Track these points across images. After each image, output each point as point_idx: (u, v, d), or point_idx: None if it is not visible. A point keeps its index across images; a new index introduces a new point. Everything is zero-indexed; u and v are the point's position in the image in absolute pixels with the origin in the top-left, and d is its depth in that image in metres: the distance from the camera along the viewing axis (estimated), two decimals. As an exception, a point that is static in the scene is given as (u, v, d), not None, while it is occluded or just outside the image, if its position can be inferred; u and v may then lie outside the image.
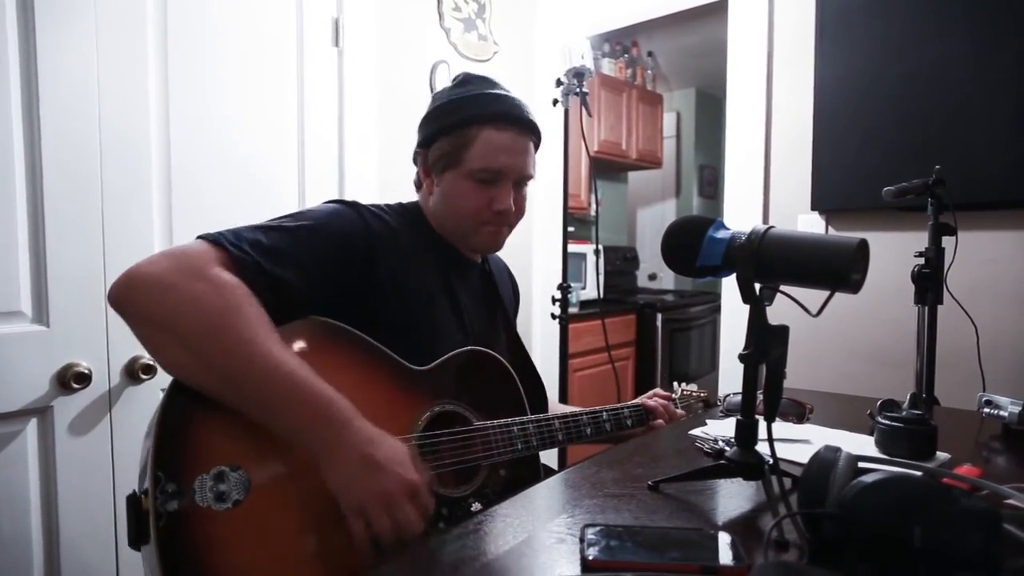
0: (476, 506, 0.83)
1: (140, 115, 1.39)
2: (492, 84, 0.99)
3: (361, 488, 0.68)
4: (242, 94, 1.56)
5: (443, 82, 2.09)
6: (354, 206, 0.90)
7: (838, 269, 0.63)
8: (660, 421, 1.12)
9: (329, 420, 0.69)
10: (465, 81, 0.99)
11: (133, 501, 0.68)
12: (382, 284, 0.86)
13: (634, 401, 1.14)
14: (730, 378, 2.02)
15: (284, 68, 1.66)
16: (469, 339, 0.95)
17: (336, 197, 1.75)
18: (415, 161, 1.03)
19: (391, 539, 0.69)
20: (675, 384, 1.28)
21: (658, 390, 1.20)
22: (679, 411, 1.17)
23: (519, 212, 1.00)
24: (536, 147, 1.01)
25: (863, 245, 0.64)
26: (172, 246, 0.74)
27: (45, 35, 1.25)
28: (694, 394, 1.27)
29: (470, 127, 0.93)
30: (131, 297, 0.71)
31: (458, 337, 0.94)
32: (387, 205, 0.98)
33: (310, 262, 0.80)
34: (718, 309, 3.78)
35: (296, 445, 0.71)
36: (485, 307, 1.06)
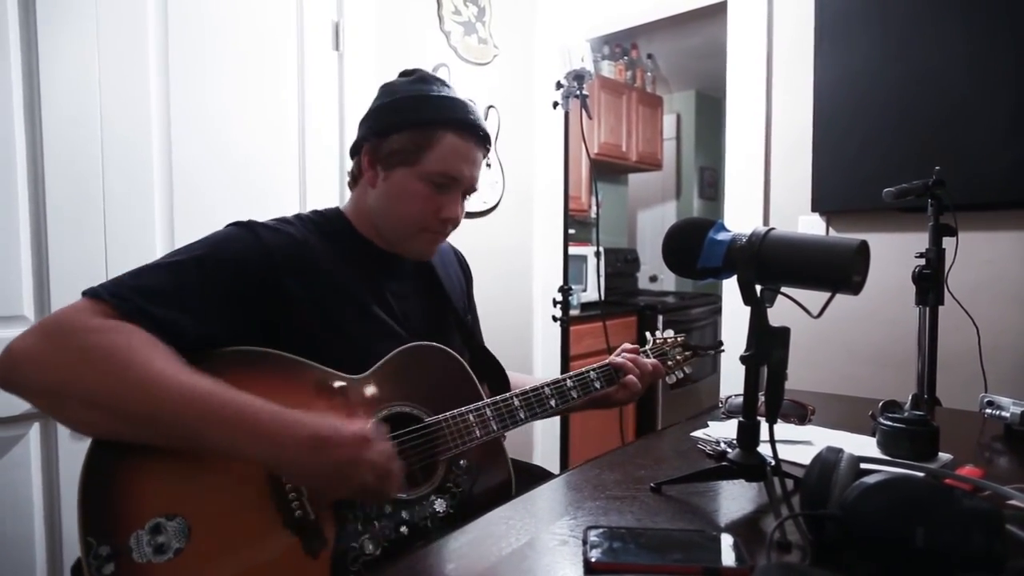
0: (439, 503, 0.81)
1: (141, 118, 1.40)
2: (449, 87, 0.97)
3: (328, 473, 0.67)
4: (243, 97, 1.57)
5: (443, 85, 2.09)
6: (248, 226, 0.85)
7: (839, 271, 0.64)
8: (631, 377, 1.05)
9: (256, 429, 0.66)
10: (424, 79, 0.95)
11: (75, 570, 0.67)
12: (293, 299, 0.82)
13: (600, 362, 1.07)
14: (731, 380, 2.02)
15: (285, 71, 1.67)
16: (406, 335, 0.90)
17: (335, 200, 1.77)
18: (355, 151, 0.96)
19: (383, 491, 0.69)
20: (648, 334, 1.19)
21: (626, 344, 1.13)
22: (650, 360, 1.10)
23: (458, 223, 0.97)
24: (484, 160, 0.99)
25: (863, 247, 0.64)
26: (48, 315, 0.72)
27: (47, 38, 1.25)
28: (669, 340, 1.17)
29: (435, 128, 0.89)
30: (17, 373, 0.68)
31: (395, 337, 0.89)
32: (295, 216, 0.93)
33: (197, 296, 0.76)
34: (719, 311, 3.78)
35: (238, 463, 0.70)
36: (424, 299, 1.00)
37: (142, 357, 0.67)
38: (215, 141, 1.51)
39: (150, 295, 0.73)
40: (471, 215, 2.23)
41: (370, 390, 0.82)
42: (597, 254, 2.51)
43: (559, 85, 1.78)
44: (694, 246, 0.72)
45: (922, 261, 1.16)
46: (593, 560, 0.56)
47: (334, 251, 0.90)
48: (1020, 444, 0.96)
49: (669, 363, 1.14)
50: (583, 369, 1.02)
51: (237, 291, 0.78)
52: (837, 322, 1.72)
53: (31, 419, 1.23)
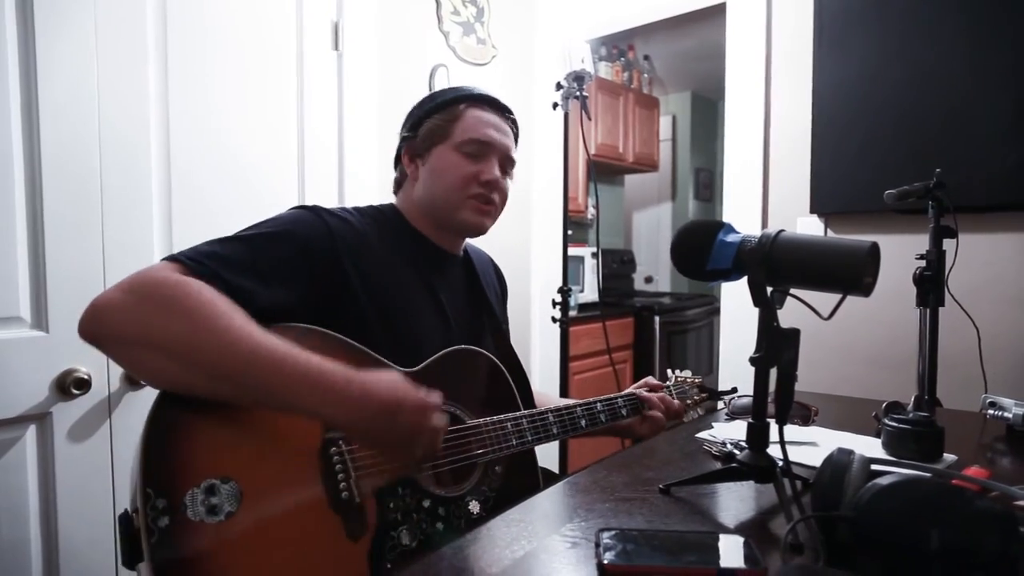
0: (474, 504, 0.83)
1: (140, 119, 1.38)
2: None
3: (394, 439, 0.71)
4: (242, 97, 1.56)
5: (442, 85, 2.09)
6: (314, 210, 0.89)
7: (850, 273, 0.64)
8: (657, 412, 1.09)
9: (329, 391, 0.68)
10: (434, 88, 1.06)
11: (124, 520, 0.67)
12: (351, 285, 0.85)
13: (628, 390, 1.12)
14: (729, 381, 2.02)
15: (284, 72, 1.66)
16: (452, 333, 0.95)
17: (334, 200, 1.76)
18: (398, 159, 1.05)
19: (432, 451, 0.74)
20: (669, 372, 1.25)
21: (649, 379, 1.18)
22: (675, 401, 1.15)
23: (503, 194, 1.02)
24: (516, 139, 1.04)
25: (874, 249, 0.65)
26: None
27: (45, 39, 1.24)
28: (688, 380, 1.24)
29: (457, 104, 0.98)
30: (100, 323, 0.70)
31: (440, 332, 0.93)
32: (355, 208, 0.97)
33: (268, 268, 0.79)
34: (715, 311, 3.80)
35: (295, 435, 0.72)
36: (468, 300, 1.05)
37: (221, 311, 0.69)
38: (214, 141, 1.50)
39: (223, 262, 0.77)
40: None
41: (419, 385, 0.84)
42: (595, 255, 2.50)
43: (559, 86, 1.77)
44: (703, 248, 0.72)
45: (922, 263, 1.16)
46: (606, 562, 0.56)
47: (389, 244, 0.94)
48: (1023, 445, 0.97)
49: (688, 402, 1.19)
50: (612, 396, 1.07)
51: (304, 267, 0.82)
52: (835, 322, 1.71)
53: (27, 421, 1.21)
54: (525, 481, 0.90)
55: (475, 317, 1.04)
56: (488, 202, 0.99)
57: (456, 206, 0.97)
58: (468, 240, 1.11)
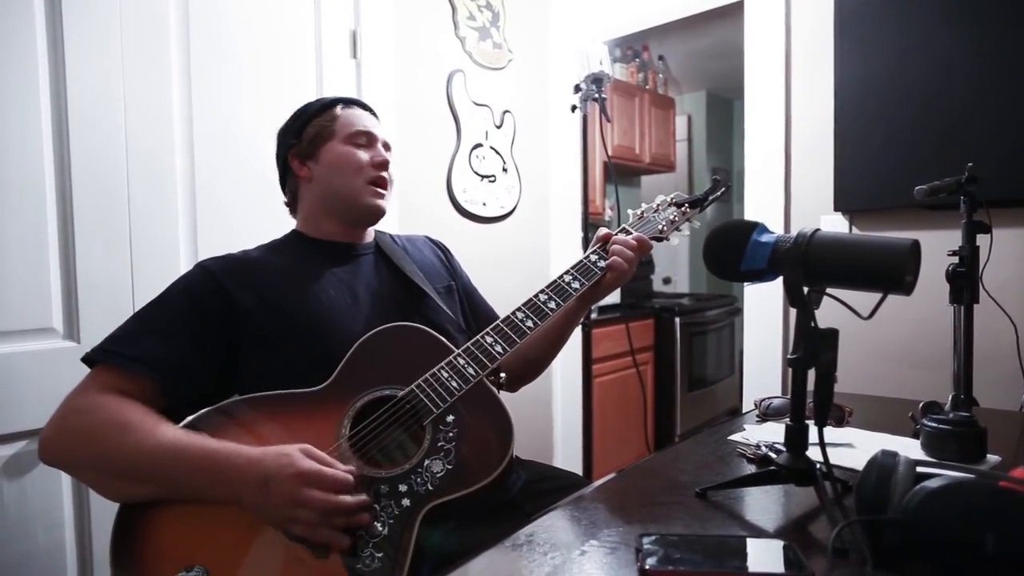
0: (436, 464, 0.80)
1: (164, 130, 1.40)
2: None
3: (271, 509, 0.73)
4: (263, 106, 1.57)
5: (459, 90, 2.10)
6: (197, 264, 0.97)
7: (891, 272, 0.62)
8: (616, 259, 1.01)
9: (212, 470, 0.75)
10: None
11: None
12: (242, 306, 0.91)
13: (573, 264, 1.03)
14: (754, 382, 2.00)
15: (304, 80, 1.67)
16: (375, 318, 0.96)
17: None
18: (285, 178, 1.09)
19: (328, 529, 0.72)
20: (629, 211, 1.11)
21: (599, 232, 1.07)
22: (631, 237, 1.04)
23: (390, 174, 1.08)
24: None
25: (915, 247, 0.63)
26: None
27: (73, 55, 1.26)
28: (655, 206, 1.08)
29: (330, 108, 1.06)
30: (46, 457, 0.81)
31: (359, 320, 0.96)
32: (256, 247, 1.04)
33: (164, 326, 0.88)
34: (736, 312, 3.76)
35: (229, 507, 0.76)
36: (389, 283, 1.05)
37: (126, 426, 0.79)
38: (235, 151, 1.52)
39: (123, 338, 0.87)
40: (489, 220, 2.23)
41: (335, 393, 0.86)
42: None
43: (577, 88, 1.77)
44: (737, 249, 0.71)
45: (955, 259, 1.14)
46: (648, 567, 0.56)
47: (282, 257, 1.01)
48: (1066, 444, 0.94)
49: (661, 227, 1.08)
50: (554, 278, 1.00)
51: (194, 312, 0.90)
52: (865, 321, 1.70)
53: (61, 430, 1.23)
54: (486, 417, 0.85)
55: (400, 296, 1.04)
56: (383, 184, 1.05)
57: (357, 192, 1.03)
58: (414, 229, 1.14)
